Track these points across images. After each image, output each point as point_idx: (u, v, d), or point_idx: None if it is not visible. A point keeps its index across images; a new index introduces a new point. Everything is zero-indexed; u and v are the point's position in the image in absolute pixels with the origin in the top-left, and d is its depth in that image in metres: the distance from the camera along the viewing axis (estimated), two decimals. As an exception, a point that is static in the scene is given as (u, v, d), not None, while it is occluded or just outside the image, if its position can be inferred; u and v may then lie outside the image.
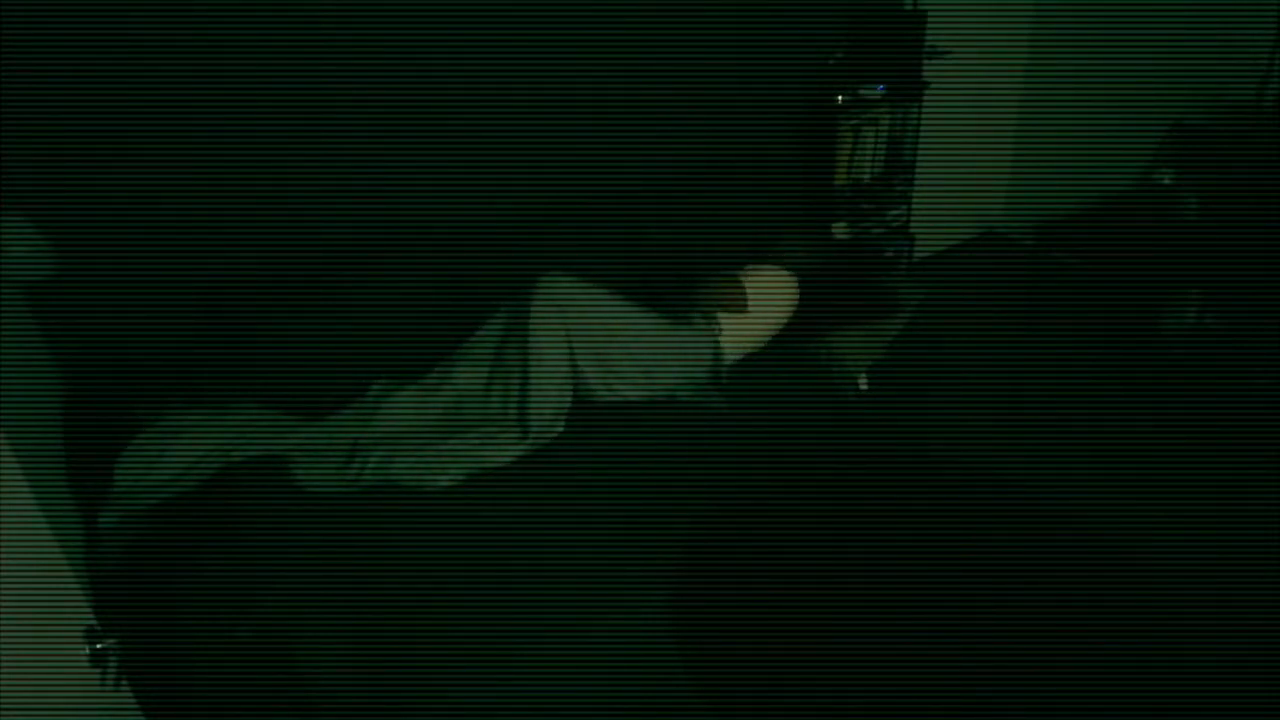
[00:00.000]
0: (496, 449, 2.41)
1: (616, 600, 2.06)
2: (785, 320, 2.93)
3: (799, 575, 2.17)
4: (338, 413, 2.52)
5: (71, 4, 2.19)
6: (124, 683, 1.26)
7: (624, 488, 2.35)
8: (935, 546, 2.23)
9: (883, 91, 3.53)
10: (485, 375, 2.64)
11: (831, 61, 3.57)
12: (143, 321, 2.55)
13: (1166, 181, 3.69)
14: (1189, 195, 3.57)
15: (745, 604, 2.11)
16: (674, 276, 2.99)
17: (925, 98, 3.69)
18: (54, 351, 2.47)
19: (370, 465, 2.33)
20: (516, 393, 2.56)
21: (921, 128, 3.77)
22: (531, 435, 2.45)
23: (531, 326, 2.56)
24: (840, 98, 3.45)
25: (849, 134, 3.56)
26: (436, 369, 2.67)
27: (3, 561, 1.02)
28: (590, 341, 2.62)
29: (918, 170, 3.87)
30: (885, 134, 3.69)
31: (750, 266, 2.96)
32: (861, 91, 3.51)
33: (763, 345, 2.91)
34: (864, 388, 3.15)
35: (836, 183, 3.61)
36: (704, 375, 2.76)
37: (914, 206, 3.95)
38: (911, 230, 4.00)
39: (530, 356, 2.54)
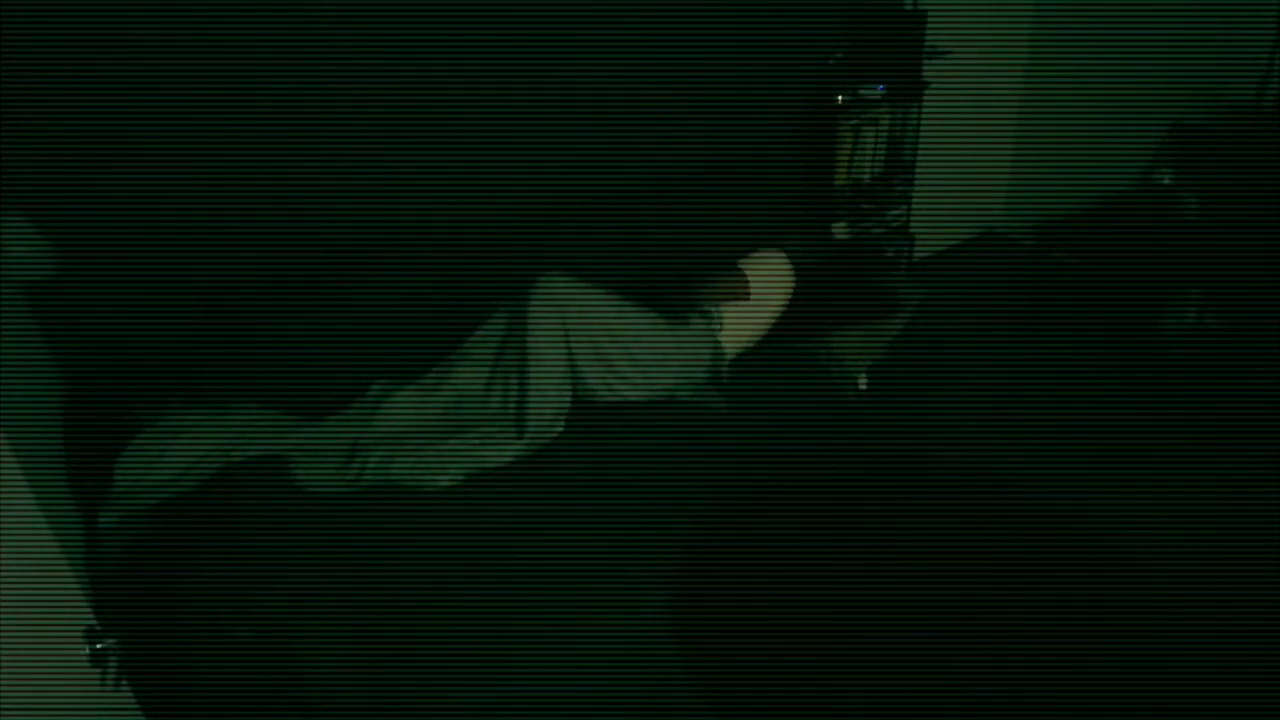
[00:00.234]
0: (496, 449, 2.42)
1: (616, 600, 2.06)
2: (784, 305, 2.92)
3: (799, 575, 2.17)
4: (338, 413, 2.52)
5: (71, 4, 2.19)
6: (124, 683, 1.26)
7: (624, 488, 2.35)
8: (935, 546, 2.23)
9: (883, 91, 3.53)
10: (485, 375, 2.64)
11: (831, 61, 3.57)
12: (143, 321, 2.55)
13: (1166, 181, 3.69)
14: (1189, 195, 3.57)
15: (745, 604, 2.11)
16: (674, 276, 2.99)
17: (925, 98, 3.69)
18: (54, 351, 2.47)
19: (370, 465, 2.33)
20: (515, 392, 2.56)
21: (921, 128, 3.77)
22: (530, 434, 2.45)
23: (530, 327, 2.57)
24: (840, 98, 3.45)
25: (849, 134, 3.56)
26: (436, 369, 2.67)
27: (3, 561, 1.02)
28: (589, 341, 2.62)
29: (918, 170, 3.87)
30: (885, 134, 3.69)
31: (748, 255, 2.95)
32: (861, 91, 3.51)
33: (763, 334, 2.91)
34: (864, 387, 3.15)
35: (836, 182, 3.61)
36: (703, 375, 2.76)
37: (914, 206, 3.95)
38: (911, 230, 4.00)
39: (529, 357, 2.55)
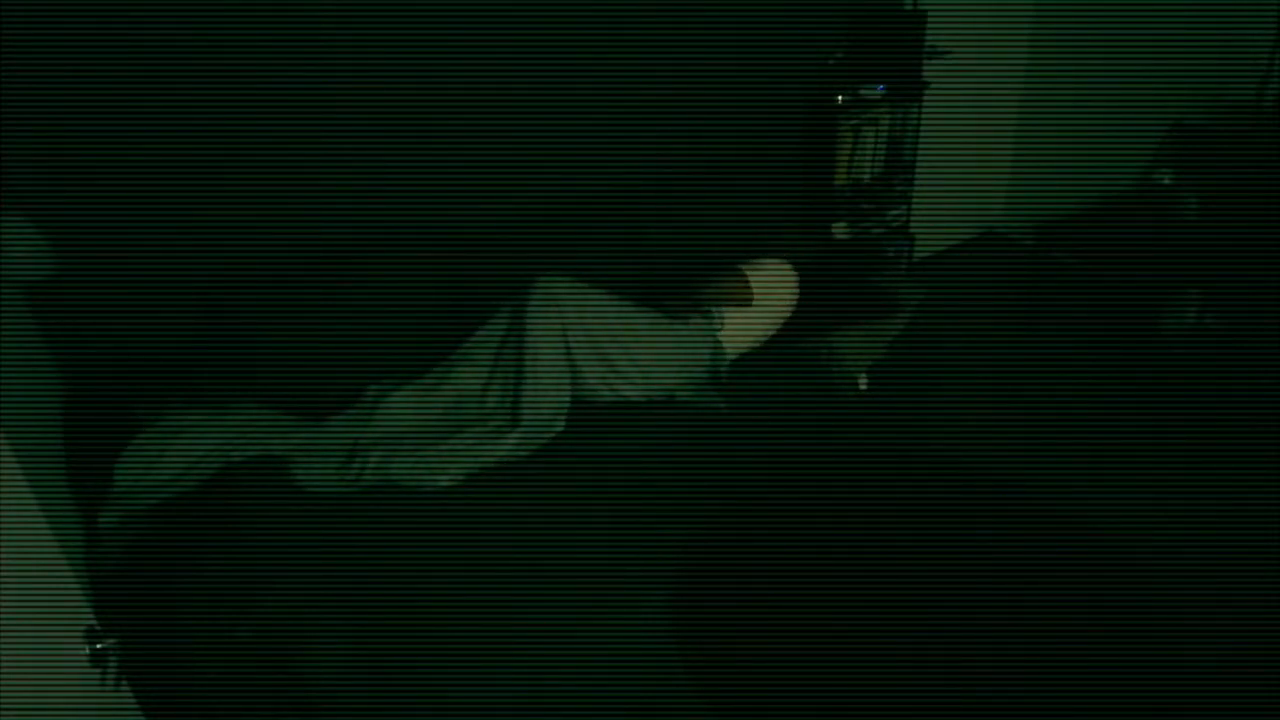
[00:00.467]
0: (493, 446, 2.42)
1: (616, 600, 2.06)
2: (788, 314, 2.93)
3: (799, 575, 2.17)
4: (337, 413, 2.52)
5: (71, 4, 2.19)
6: (124, 683, 1.26)
7: (624, 487, 2.35)
8: (935, 546, 2.23)
9: (883, 91, 3.53)
10: (484, 375, 2.64)
11: (831, 61, 3.57)
12: (143, 321, 2.55)
13: (1166, 181, 3.69)
14: (1189, 195, 3.57)
15: (745, 604, 2.11)
16: (674, 276, 3.00)
17: (925, 98, 3.69)
18: (54, 351, 2.47)
19: (370, 465, 2.33)
20: (512, 391, 2.56)
21: (921, 128, 3.77)
22: (525, 427, 2.45)
23: (528, 326, 2.57)
24: (840, 98, 3.45)
25: (849, 134, 3.56)
26: (436, 369, 2.67)
27: (3, 561, 1.02)
28: (588, 341, 2.62)
29: (918, 170, 3.87)
30: (885, 134, 3.69)
31: (753, 260, 2.96)
32: (861, 91, 3.51)
33: (765, 340, 2.92)
34: (864, 387, 3.15)
35: (836, 182, 3.61)
36: (703, 374, 2.76)
37: (914, 206, 3.95)
38: (911, 230, 4.00)
39: (526, 355, 2.55)
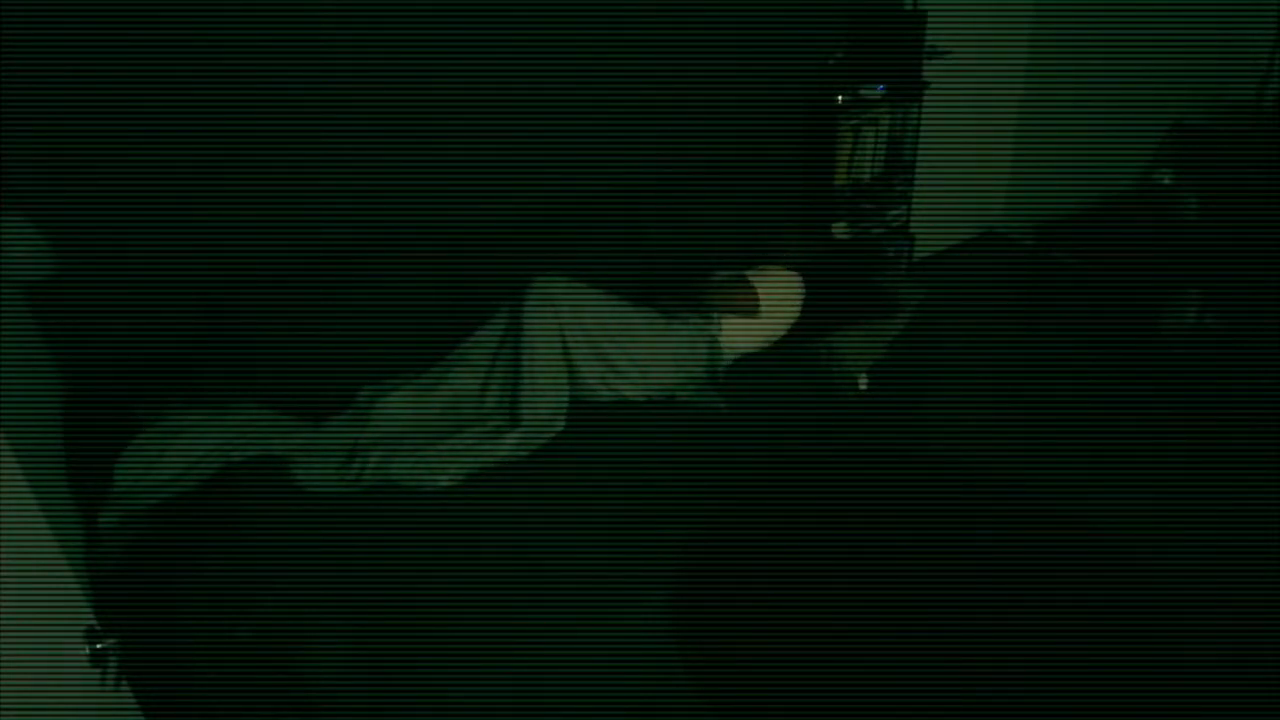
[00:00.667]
0: (493, 446, 2.42)
1: (616, 600, 2.06)
2: (793, 322, 2.93)
3: (798, 575, 2.17)
4: (337, 414, 2.52)
5: (71, 4, 2.19)
6: (124, 683, 1.26)
7: (624, 488, 2.35)
8: (935, 546, 2.24)
9: (883, 91, 3.53)
10: (481, 376, 2.65)
11: (831, 61, 3.57)
12: (143, 321, 2.55)
13: (1166, 181, 3.69)
14: (1189, 195, 3.57)
15: (745, 604, 2.11)
16: (675, 276, 3.00)
17: (925, 98, 3.69)
18: (54, 351, 2.47)
19: (370, 465, 2.33)
20: (511, 390, 2.56)
21: (921, 128, 3.77)
22: (525, 427, 2.45)
23: (524, 326, 2.57)
24: (840, 98, 3.45)
25: (849, 134, 3.56)
26: (433, 369, 2.67)
27: (3, 561, 1.02)
28: (587, 341, 2.62)
29: (918, 170, 3.86)
30: (885, 134, 3.69)
31: (758, 267, 2.97)
32: (861, 91, 3.51)
33: (767, 345, 2.92)
34: (864, 387, 3.15)
35: (836, 183, 3.61)
36: (702, 373, 2.76)
37: (914, 206, 3.95)
38: (911, 230, 4.00)
39: (523, 355, 2.55)
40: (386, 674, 1.90)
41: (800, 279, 2.96)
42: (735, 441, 2.60)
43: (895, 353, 3.19)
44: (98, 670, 1.18)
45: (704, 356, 2.77)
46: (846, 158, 3.61)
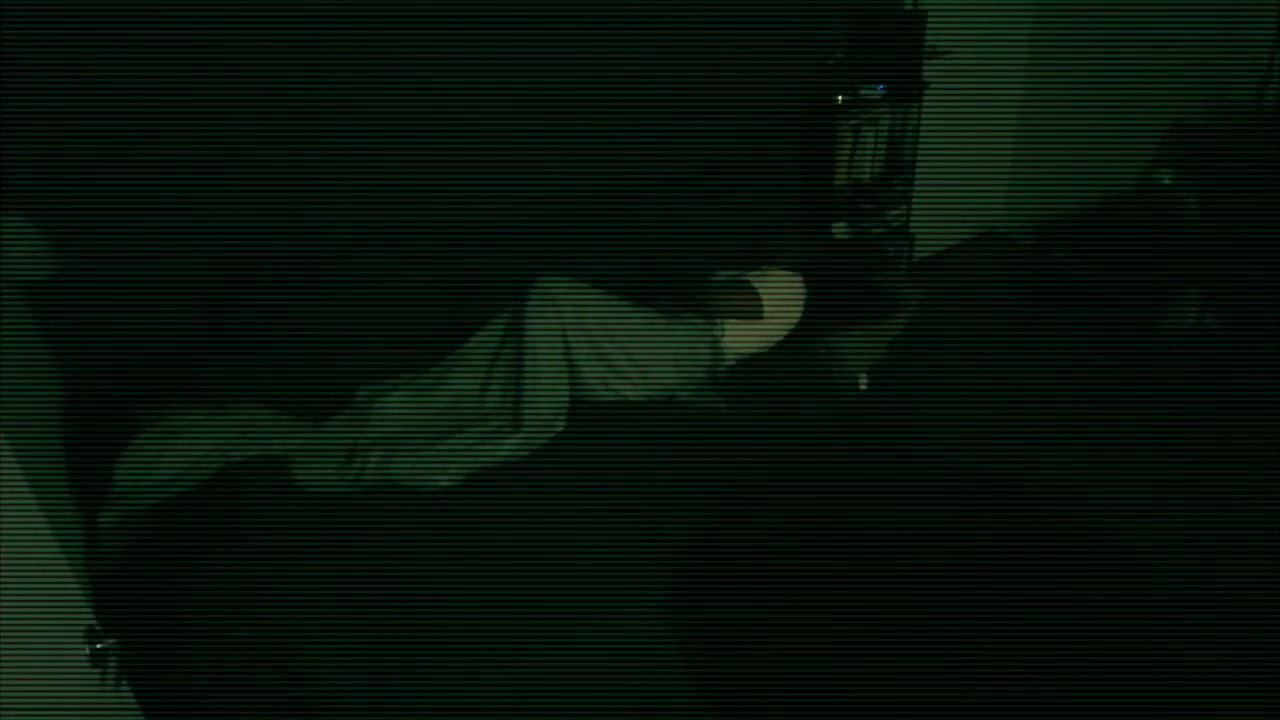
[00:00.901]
0: (493, 445, 2.42)
1: (616, 600, 2.06)
2: (794, 325, 2.94)
3: (798, 575, 2.17)
4: (337, 414, 2.52)
5: (71, 4, 2.19)
6: (124, 683, 1.26)
7: (624, 488, 2.35)
8: (934, 546, 2.24)
9: (883, 91, 3.53)
10: (481, 376, 2.65)
11: (831, 61, 3.57)
12: (143, 321, 2.55)
13: (1166, 181, 3.69)
14: (1189, 195, 3.57)
15: (744, 604, 2.11)
16: (675, 276, 3.00)
17: (925, 98, 3.69)
18: (54, 351, 2.47)
19: (370, 465, 2.34)
20: (513, 391, 2.56)
21: (921, 128, 3.77)
22: (527, 428, 2.45)
23: (527, 326, 2.57)
24: (840, 98, 3.45)
25: (849, 134, 3.55)
26: (434, 369, 2.67)
27: (3, 561, 1.02)
28: (587, 341, 2.62)
29: (918, 170, 3.86)
30: (885, 134, 3.69)
31: (759, 268, 2.97)
32: (861, 91, 3.51)
33: (768, 347, 2.92)
34: (864, 387, 3.15)
35: (836, 183, 3.61)
36: (702, 374, 2.76)
37: (914, 206, 3.95)
38: (911, 230, 4.00)
39: (525, 355, 2.55)
40: (386, 674, 1.90)
41: (801, 280, 2.96)
42: (735, 442, 2.60)
43: (895, 353, 3.19)
44: (98, 670, 1.18)
45: (705, 357, 2.77)
46: (846, 158, 3.61)
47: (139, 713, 1.41)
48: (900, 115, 3.71)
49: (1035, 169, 4.51)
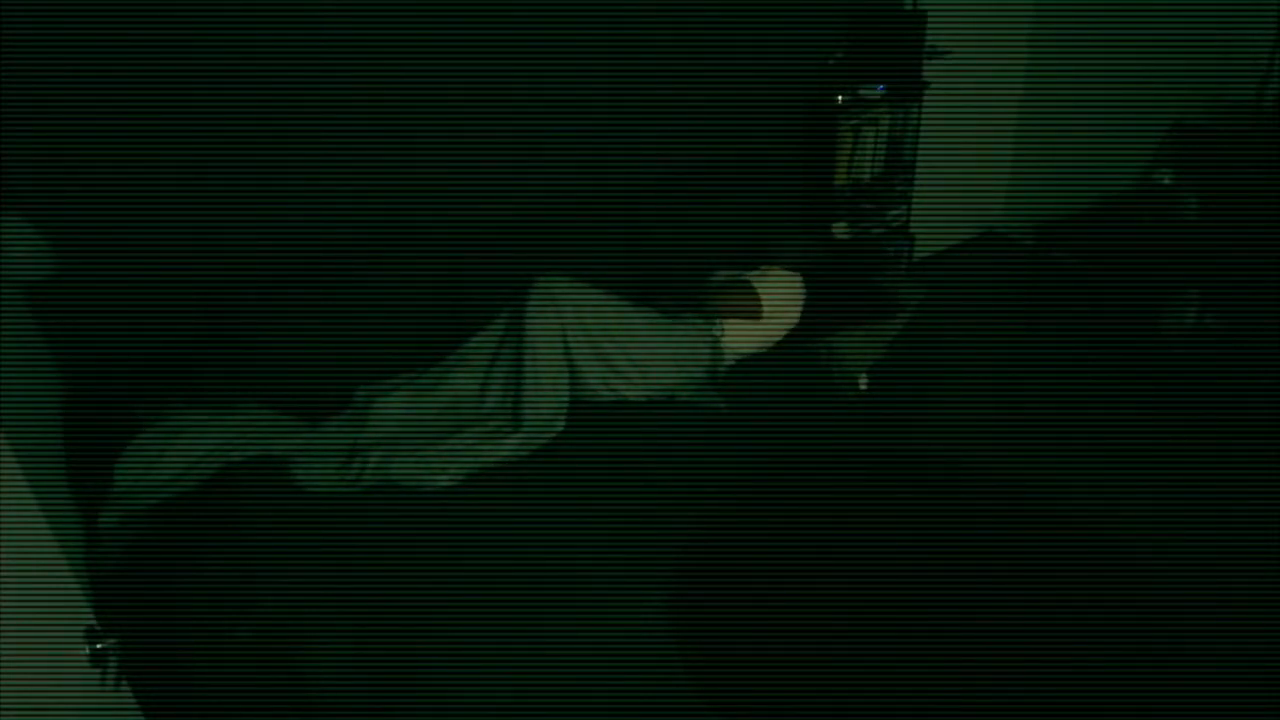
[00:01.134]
0: (493, 445, 2.42)
1: (616, 600, 2.06)
2: (793, 324, 2.94)
3: (798, 575, 2.17)
4: (337, 414, 2.52)
5: (71, 4, 2.19)
6: (124, 683, 1.27)
7: (624, 488, 2.35)
8: (934, 546, 2.24)
9: (883, 91, 3.53)
10: (480, 377, 2.65)
11: (831, 61, 3.57)
12: (143, 321, 2.55)
13: (1166, 181, 3.69)
14: (1189, 195, 3.57)
15: (744, 604, 2.11)
16: (676, 276, 3.00)
17: (925, 98, 3.69)
18: (54, 351, 2.47)
19: (370, 465, 2.34)
20: (513, 390, 2.56)
21: (921, 128, 3.77)
22: (526, 429, 2.45)
23: (527, 326, 2.57)
24: (840, 98, 3.45)
25: (849, 134, 3.55)
26: (434, 369, 2.67)
27: (3, 561, 1.02)
28: (588, 341, 2.62)
29: (918, 170, 3.86)
30: (885, 134, 3.69)
31: (759, 268, 2.97)
32: (861, 91, 3.51)
33: (768, 347, 2.92)
34: (864, 387, 3.15)
35: (836, 183, 3.61)
36: (702, 374, 2.76)
37: (914, 206, 3.95)
38: (911, 230, 4.00)
39: (525, 355, 2.55)
40: (386, 674, 1.90)
41: (801, 280, 2.97)
42: (735, 442, 2.60)
43: (895, 353, 3.19)
44: (98, 670, 1.19)
45: (705, 357, 2.77)
46: (846, 158, 3.61)
47: (139, 713, 1.42)
48: (900, 115, 3.71)
49: (1035, 169, 4.51)
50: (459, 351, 2.71)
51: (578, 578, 2.10)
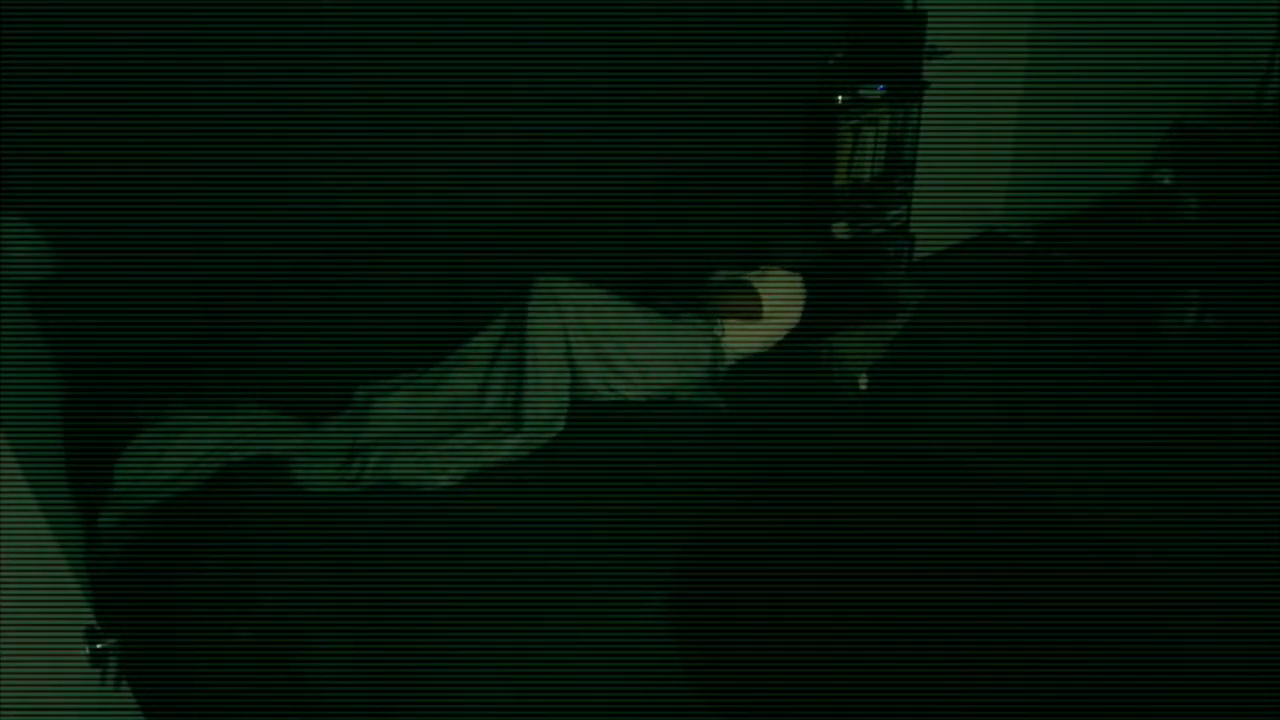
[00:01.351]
0: (493, 445, 2.42)
1: (617, 600, 2.06)
2: (794, 324, 2.94)
3: (798, 575, 2.17)
4: (337, 414, 2.52)
5: (71, 4, 2.19)
6: (124, 683, 1.27)
7: (624, 488, 2.35)
8: (934, 546, 2.24)
9: (883, 91, 3.53)
10: (480, 377, 2.65)
11: (831, 61, 3.57)
12: (143, 321, 2.55)
13: (1166, 181, 3.69)
14: (1189, 195, 3.57)
15: (745, 604, 2.11)
16: (676, 276, 3.00)
17: (925, 98, 3.69)
18: (54, 351, 2.47)
19: (370, 465, 2.34)
20: (514, 390, 2.56)
21: (921, 128, 3.77)
22: (528, 429, 2.45)
23: (528, 326, 2.57)
24: (840, 98, 3.45)
25: (849, 134, 3.55)
26: (434, 369, 2.67)
27: (3, 561, 1.02)
28: (588, 340, 2.62)
29: (918, 170, 3.86)
30: (885, 134, 3.69)
31: (759, 268, 2.97)
32: (861, 91, 3.51)
33: (768, 347, 2.92)
34: (864, 388, 3.15)
35: (836, 183, 3.61)
36: (702, 374, 2.76)
37: (914, 206, 3.95)
38: (911, 230, 4.00)
39: (526, 355, 2.55)
40: (386, 674, 1.90)
41: (801, 280, 2.97)
42: (735, 442, 2.60)
43: (895, 353, 3.19)
44: (98, 670, 1.19)
45: (705, 358, 2.77)
46: (846, 158, 3.61)
47: (139, 713, 1.42)
48: (900, 115, 3.71)
49: (1035, 169, 4.51)
50: (459, 351, 2.71)
51: (578, 578, 2.10)
